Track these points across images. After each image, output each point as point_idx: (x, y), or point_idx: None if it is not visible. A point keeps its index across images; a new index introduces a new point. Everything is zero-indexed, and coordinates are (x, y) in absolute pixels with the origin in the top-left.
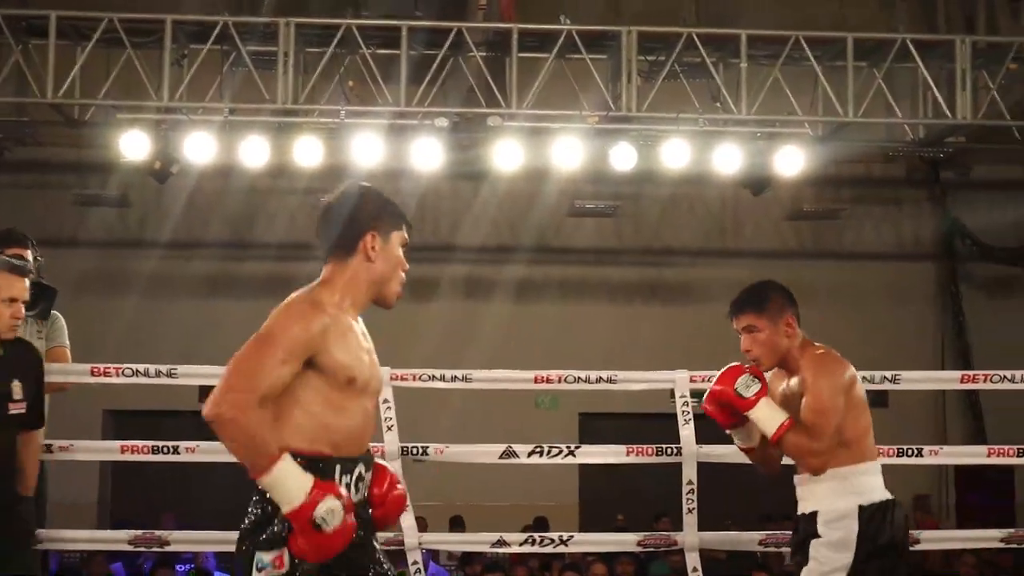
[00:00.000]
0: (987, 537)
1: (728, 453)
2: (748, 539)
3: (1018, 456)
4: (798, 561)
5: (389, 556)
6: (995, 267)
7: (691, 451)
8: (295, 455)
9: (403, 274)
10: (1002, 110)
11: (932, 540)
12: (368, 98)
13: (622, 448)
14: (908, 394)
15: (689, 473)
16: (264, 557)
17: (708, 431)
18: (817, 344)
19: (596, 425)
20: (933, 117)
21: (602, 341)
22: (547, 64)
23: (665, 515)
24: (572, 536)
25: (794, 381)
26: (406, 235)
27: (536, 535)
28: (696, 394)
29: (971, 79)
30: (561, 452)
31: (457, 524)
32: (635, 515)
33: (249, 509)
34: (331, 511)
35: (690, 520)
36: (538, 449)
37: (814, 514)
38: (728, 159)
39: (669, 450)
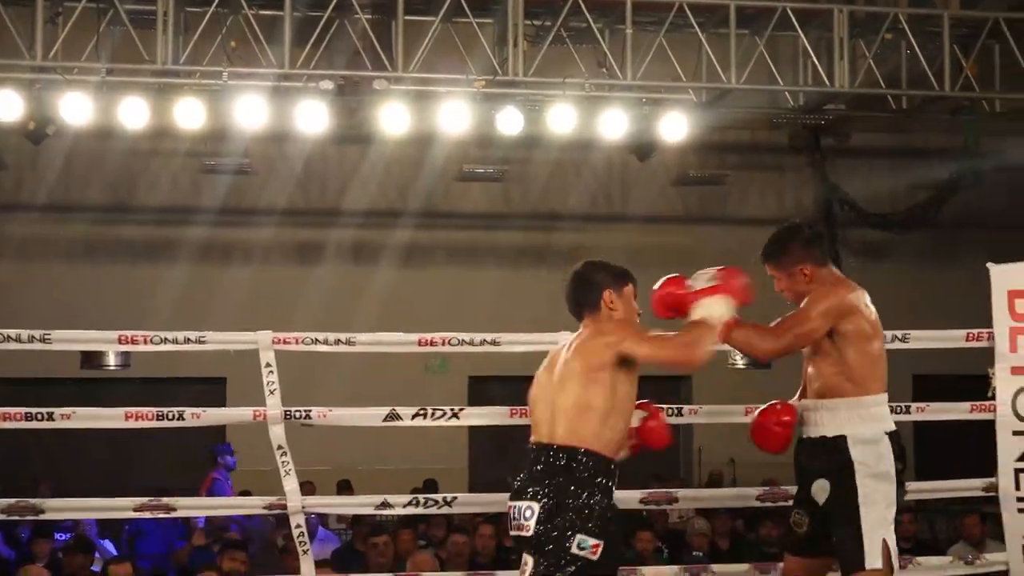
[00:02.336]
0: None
1: None
2: (630, 497)
3: (900, 414)
4: (840, 492)
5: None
6: (871, 232)
7: None
8: (592, 453)
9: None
10: (878, 79)
11: None
12: (251, 59)
13: (506, 410)
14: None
15: None
16: (587, 540)
17: None
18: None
19: (486, 388)
20: (813, 85)
21: (491, 305)
22: (433, 27)
23: None
24: (456, 497)
25: None
26: (634, 287)
27: (421, 496)
28: None
29: (848, 48)
30: (445, 414)
31: (345, 488)
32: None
33: (564, 485)
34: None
35: None
36: (422, 411)
37: (841, 438)
38: (614, 124)
39: None
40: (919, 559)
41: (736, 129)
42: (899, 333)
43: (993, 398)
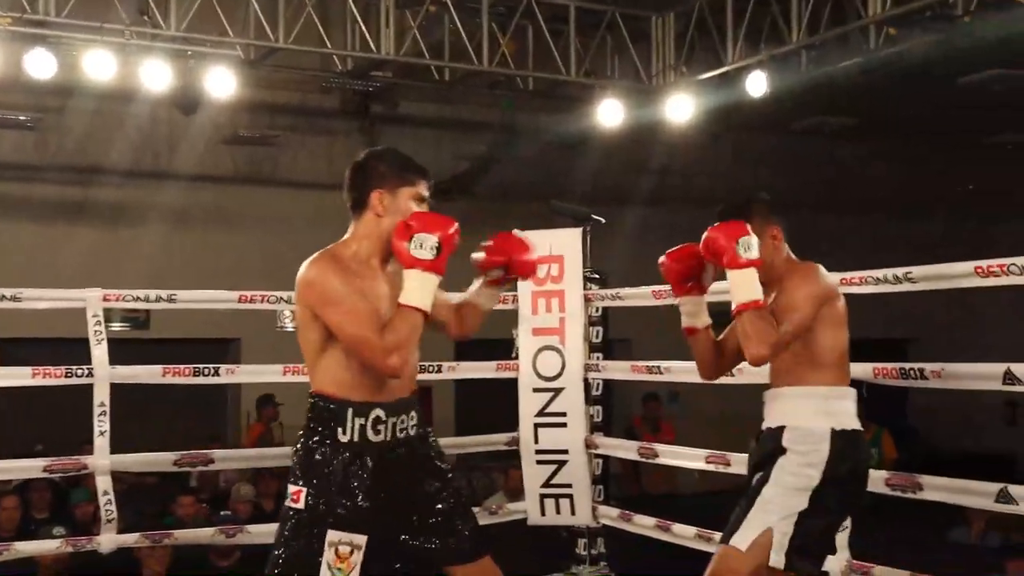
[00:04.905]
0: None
1: (142, 374)
2: (164, 460)
3: (432, 373)
4: (759, 477)
5: None
6: None
7: (104, 373)
8: (320, 397)
9: None
10: (423, 49)
11: None
12: None
13: (27, 370)
14: None
15: (101, 395)
16: (290, 488)
17: (126, 352)
18: (801, 260)
19: (12, 351)
20: (360, 51)
21: (22, 261)
22: None
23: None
24: None
25: (775, 297)
26: (421, 191)
27: None
28: (126, 318)
29: (395, 17)
30: None
31: None
32: (61, 441)
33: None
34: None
35: (101, 443)
36: None
37: (781, 428)
38: (157, 76)
39: (80, 372)
40: None
41: (288, 90)
42: None
43: (517, 358)
